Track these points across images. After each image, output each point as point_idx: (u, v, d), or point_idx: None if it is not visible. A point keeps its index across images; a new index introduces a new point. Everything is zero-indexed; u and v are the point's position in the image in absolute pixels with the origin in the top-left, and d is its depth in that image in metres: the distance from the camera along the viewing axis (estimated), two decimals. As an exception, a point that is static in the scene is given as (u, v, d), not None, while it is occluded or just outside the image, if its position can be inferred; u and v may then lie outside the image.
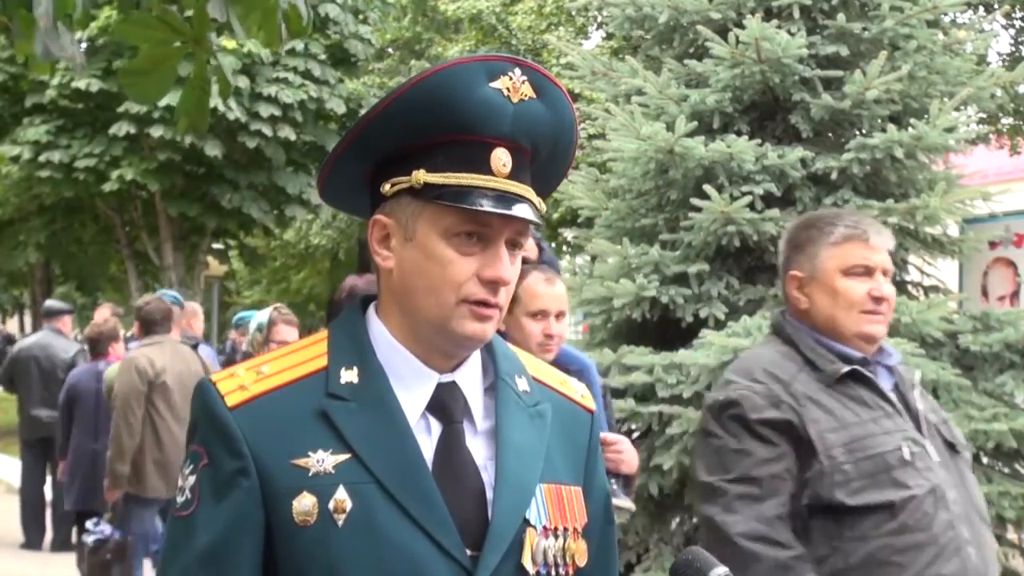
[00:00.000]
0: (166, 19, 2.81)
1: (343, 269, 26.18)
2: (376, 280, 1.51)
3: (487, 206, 1.38)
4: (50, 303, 9.75)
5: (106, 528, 6.13)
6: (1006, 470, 5.05)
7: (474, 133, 1.40)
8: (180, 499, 1.41)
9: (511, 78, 1.41)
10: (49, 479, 8.87)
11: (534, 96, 1.43)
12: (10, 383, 9.10)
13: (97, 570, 6.06)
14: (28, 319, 30.41)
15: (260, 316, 5.25)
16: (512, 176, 1.42)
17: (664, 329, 5.35)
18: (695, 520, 5.21)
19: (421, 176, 1.40)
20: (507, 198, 1.40)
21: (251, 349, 5.26)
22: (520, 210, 1.40)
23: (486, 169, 1.40)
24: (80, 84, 14.25)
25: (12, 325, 37.10)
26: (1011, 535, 5.12)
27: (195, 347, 6.74)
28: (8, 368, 9.17)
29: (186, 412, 5.41)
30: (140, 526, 6.19)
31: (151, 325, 6.27)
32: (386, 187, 1.44)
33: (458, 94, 1.39)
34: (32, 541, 8.82)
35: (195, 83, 2.95)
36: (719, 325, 5.04)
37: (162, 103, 14.04)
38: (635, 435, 5.31)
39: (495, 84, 1.40)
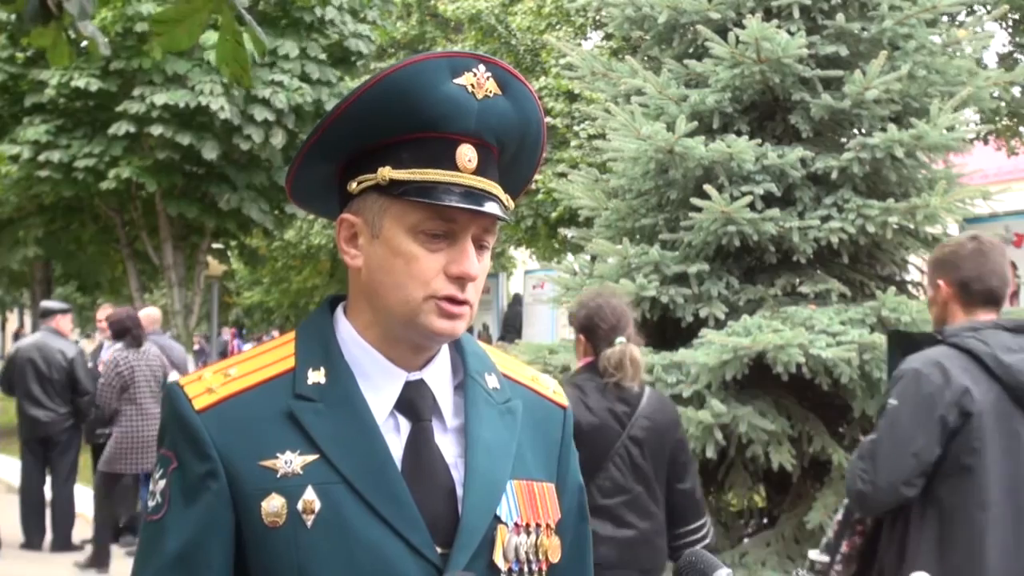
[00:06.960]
0: None
1: (344, 269, 26.11)
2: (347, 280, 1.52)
3: (453, 202, 1.38)
4: (46, 303, 9.72)
5: None
6: (1006, 470, 5.04)
7: (439, 130, 1.40)
8: (151, 503, 1.41)
9: (475, 74, 1.40)
10: (49, 479, 8.86)
11: (499, 93, 1.42)
12: (9, 387, 9.04)
13: None
14: (28, 319, 30.39)
15: None
16: (478, 172, 1.41)
17: (664, 329, 5.36)
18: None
19: (387, 173, 1.40)
20: (473, 194, 1.40)
21: None
22: (486, 206, 1.40)
23: (451, 165, 1.40)
24: (80, 83, 14.21)
25: (12, 325, 37.08)
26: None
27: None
28: (5, 371, 9.14)
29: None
30: None
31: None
32: (352, 185, 1.43)
33: (422, 91, 1.38)
34: (32, 541, 8.81)
35: (226, 33, 3.00)
36: (719, 325, 5.04)
37: (160, 102, 14.06)
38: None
39: (459, 80, 1.39)
